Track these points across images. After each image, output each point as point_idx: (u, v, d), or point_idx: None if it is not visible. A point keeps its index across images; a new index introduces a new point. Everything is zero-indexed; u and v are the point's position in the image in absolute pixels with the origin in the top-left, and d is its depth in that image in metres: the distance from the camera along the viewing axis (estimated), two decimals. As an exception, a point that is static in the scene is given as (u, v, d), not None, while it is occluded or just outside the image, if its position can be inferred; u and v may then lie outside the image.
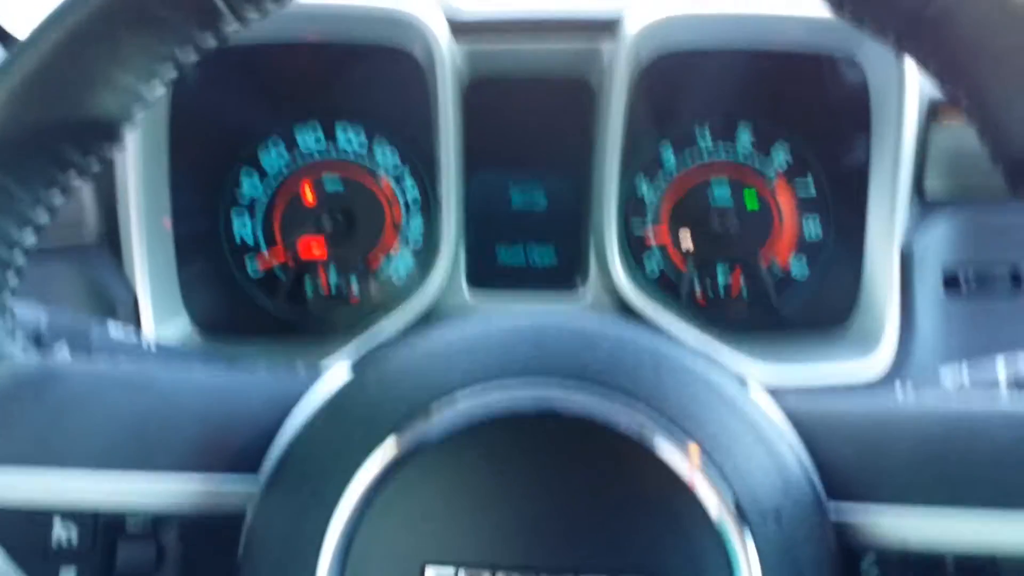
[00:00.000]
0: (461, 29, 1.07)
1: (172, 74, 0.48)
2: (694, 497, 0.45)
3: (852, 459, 0.49)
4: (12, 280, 0.49)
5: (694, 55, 1.10)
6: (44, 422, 0.49)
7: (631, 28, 1.01)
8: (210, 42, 0.48)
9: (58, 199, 0.49)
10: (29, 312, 0.63)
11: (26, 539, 0.48)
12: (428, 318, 1.11)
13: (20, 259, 0.49)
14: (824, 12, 0.49)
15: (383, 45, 1.09)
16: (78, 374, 0.51)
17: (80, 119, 0.46)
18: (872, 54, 1.05)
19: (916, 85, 1.02)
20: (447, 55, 1.02)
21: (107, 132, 0.48)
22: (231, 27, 0.48)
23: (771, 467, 0.47)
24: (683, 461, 0.46)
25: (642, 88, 1.07)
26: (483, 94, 1.14)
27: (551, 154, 1.18)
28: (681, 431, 0.46)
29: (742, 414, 0.48)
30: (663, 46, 1.07)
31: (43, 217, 0.49)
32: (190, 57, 0.48)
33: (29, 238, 0.48)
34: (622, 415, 0.46)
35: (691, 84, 1.17)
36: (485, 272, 1.19)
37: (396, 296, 1.20)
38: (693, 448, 0.46)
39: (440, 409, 0.47)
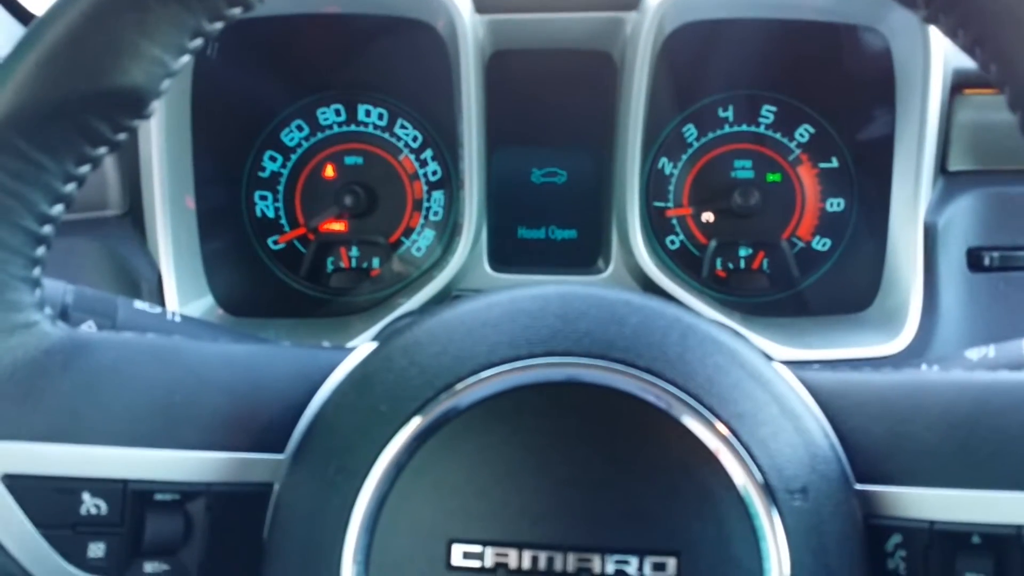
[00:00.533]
0: (484, 0, 1.07)
1: (198, 44, 0.48)
2: (721, 472, 0.45)
3: (878, 439, 0.48)
4: (41, 252, 0.49)
5: (717, 25, 1.09)
6: (73, 394, 0.49)
7: (654, -3, 1.00)
8: (236, 11, 0.48)
9: (85, 170, 0.49)
10: (55, 287, 0.63)
11: (55, 513, 0.48)
12: (449, 296, 1.11)
13: (49, 231, 0.49)
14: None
15: (405, 17, 1.09)
16: (106, 345, 0.51)
17: (107, 90, 0.46)
18: (897, 24, 1.03)
19: (941, 56, 1.01)
20: (470, 27, 1.02)
21: (134, 103, 0.48)
22: None
23: (798, 442, 0.47)
24: (710, 435, 0.46)
25: (665, 59, 1.06)
26: (505, 67, 1.13)
27: (572, 128, 1.17)
28: (708, 405, 0.46)
29: (769, 388, 0.48)
30: (686, 15, 1.06)
31: (71, 189, 0.49)
32: (216, 27, 0.48)
33: (57, 210, 0.49)
34: (649, 387, 0.46)
35: (714, 55, 1.16)
36: (506, 249, 1.19)
37: (417, 273, 1.20)
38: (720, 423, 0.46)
39: (466, 381, 0.47)
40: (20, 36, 0.47)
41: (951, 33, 0.47)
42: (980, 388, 0.48)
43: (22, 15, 1.14)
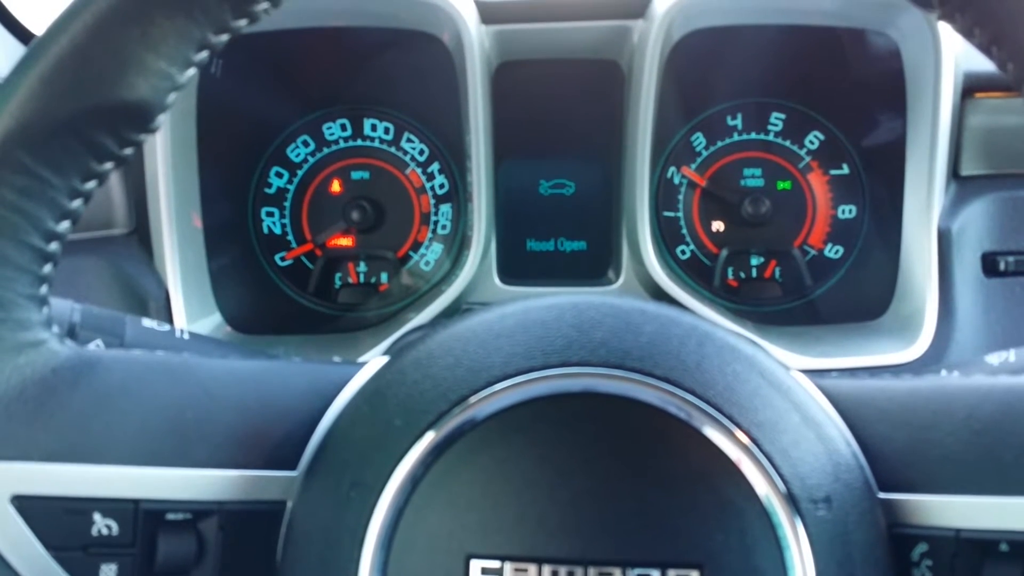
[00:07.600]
0: (489, 11, 1.06)
1: (204, 57, 0.47)
2: (743, 482, 0.44)
3: (901, 447, 0.47)
4: (48, 269, 0.48)
5: (725, 32, 1.09)
6: (83, 413, 0.48)
7: (661, 4, 1.00)
8: (241, 23, 0.47)
9: (91, 186, 0.48)
10: (62, 305, 0.63)
11: (66, 535, 0.48)
12: (458, 309, 1.10)
13: (56, 248, 0.48)
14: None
15: (410, 30, 1.09)
16: (115, 363, 0.51)
17: (113, 105, 0.46)
18: (907, 28, 1.03)
19: (952, 60, 1.00)
20: (476, 38, 1.01)
21: (140, 117, 0.47)
22: (262, 6, 0.47)
23: (820, 451, 0.46)
24: (731, 444, 0.45)
25: (673, 67, 1.06)
26: (511, 78, 1.13)
27: (580, 139, 1.17)
28: (728, 414, 0.45)
29: (789, 396, 0.47)
30: (694, 23, 1.05)
31: (77, 205, 0.48)
32: (222, 39, 0.47)
33: (64, 226, 0.48)
34: (667, 397, 0.46)
35: (722, 62, 1.16)
36: (515, 261, 1.18)
37: (426, 287, 1.19)
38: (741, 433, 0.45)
39: (481, 394, 0.46)
40: (23, 53, 0.46)
41: (967, 32, 0.46)
42: (1003, 392, 0.48)
43: (22, 34, 1.14)
